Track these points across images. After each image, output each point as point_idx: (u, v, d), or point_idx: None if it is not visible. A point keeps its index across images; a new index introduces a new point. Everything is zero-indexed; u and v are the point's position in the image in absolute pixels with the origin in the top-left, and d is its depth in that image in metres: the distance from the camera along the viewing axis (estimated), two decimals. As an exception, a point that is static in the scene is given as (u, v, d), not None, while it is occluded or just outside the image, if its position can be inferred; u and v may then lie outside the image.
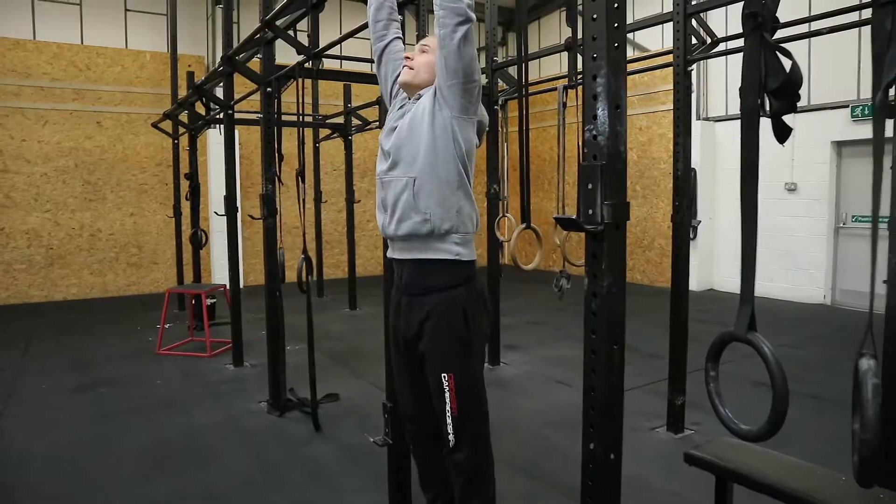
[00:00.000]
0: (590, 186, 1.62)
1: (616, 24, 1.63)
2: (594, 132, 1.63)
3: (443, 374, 2.15)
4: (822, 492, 2.02)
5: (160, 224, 10.11)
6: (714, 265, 9.73)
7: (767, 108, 1.29)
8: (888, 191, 1.48)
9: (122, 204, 9.97)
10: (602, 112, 1.61)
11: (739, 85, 1.34)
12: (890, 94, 1.13)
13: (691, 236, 9.37)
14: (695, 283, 9.24)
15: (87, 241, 9.74)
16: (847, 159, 8.20)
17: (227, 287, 5.81)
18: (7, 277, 9.19)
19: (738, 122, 1.31)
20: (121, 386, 5.18)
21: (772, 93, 1.29)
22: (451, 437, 2.19)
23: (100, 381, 5.33)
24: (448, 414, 2.17)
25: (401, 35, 2.45)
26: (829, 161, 8.24)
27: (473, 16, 2.01)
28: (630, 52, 10.51)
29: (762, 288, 8.70)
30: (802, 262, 8.50)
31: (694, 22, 3.92)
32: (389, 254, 2.32)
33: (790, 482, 2.12)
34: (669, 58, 4.24)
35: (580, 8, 1.76)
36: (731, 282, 9.31)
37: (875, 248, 1.24)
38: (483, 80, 5.49)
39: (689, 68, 3.88)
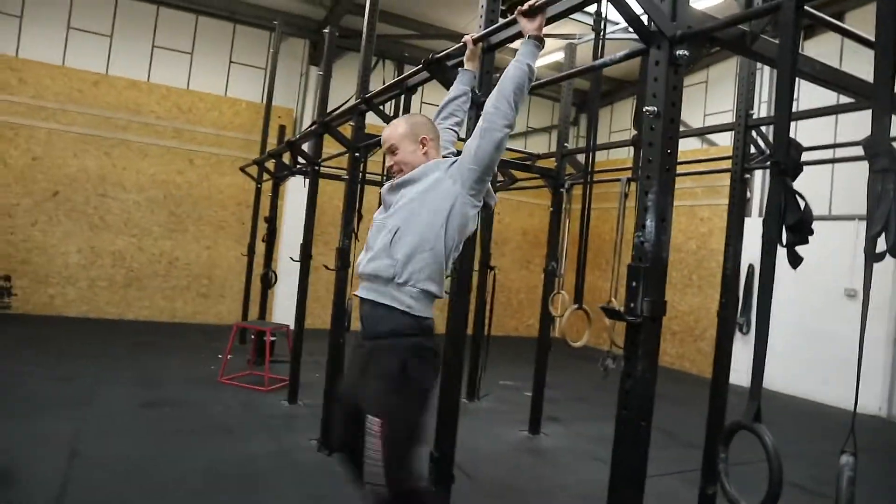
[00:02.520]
0: (634, 284, 1.92)
1: (669, 151, 1.96)
2: (642, 239, 1.94)
3: (371, 418, 2.24)
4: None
5: (232, 260, 10.75)
6: (767, 366, 9.64)
7: (784, 240, 1.57)
8: None
9: (200, 237, 10.68)
10: (650, 223, 1.93)
11: (763, 216, 1.63)
12: (881, 242, 1.40)
13: (743, 331, 9.37)
14: (745, 379, 9.16)
15: (164, 268, 10.44)
16: (909, 272, 8.16)
17: (290, 328, 6.22)
18: (90, 292, 9.92)
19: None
20: (184, 407, 5.59)
21: (789, 228, 1.57)
22: (371, 472, 2.26)
23: (165, 400, 5.75)
24: (371, 453, 2.23)
25: (456, 130, 2.82)
26: (890, 270, 8.21)
27: (514, 123, 2.33)
28: (698, 145, 10.81)
29: (817, 393, 8.60)
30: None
31: (754, 133, 4.20)
32: (357, 292, 2.49)
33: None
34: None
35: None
36: (781, 383, 9.20)
37: (861, 356, 1.48)
38: (552, 163, 5.88)
39: (746, 176, 4.14)
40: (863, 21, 7.62)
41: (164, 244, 10.45)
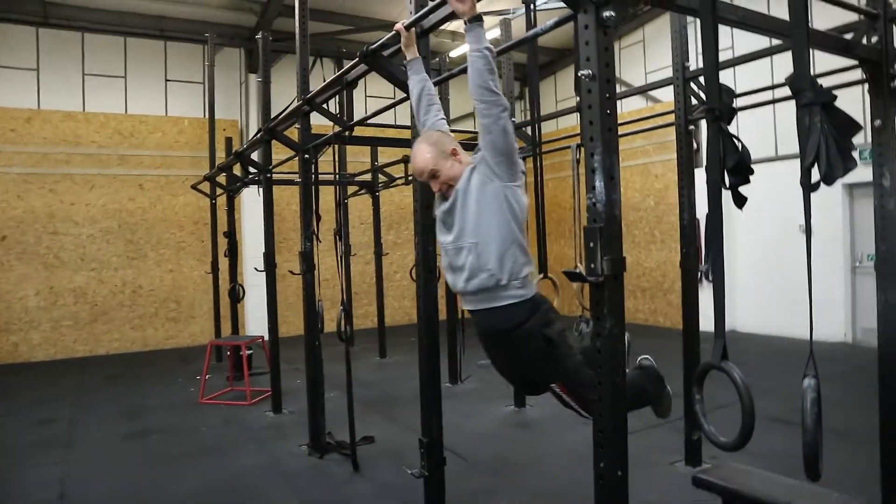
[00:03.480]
0: (591, 245, 1.96)
1: (608, 111, 2.00)
2: (594, 200, 1.98)
3: (552, 387, 2.55)
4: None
5: (197, 280, 10.60)
6: (732, 306, 9.90)
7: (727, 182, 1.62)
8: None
9: (161, 261, 10.50)
10: (599, 183, 1.97)
11: (705, 164, 1.68)
12: (814, 172, 1.46)
13: (709, 279, 9.58)
14: (710, 324, 9.41)
15: (128, 298, 10.24)
16: (859, 200, 8.44)
17: (265, 339, 6.18)
18: (55, 333, 9.69)
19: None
20: (169, 433, 5.53)
21: (729, 170, 1.63)
22: (579, 413, 2.60)
23: (149, 429, 5.68)
24: (570, 404, 2.57)
25: (442, 115, 2.83)
26: (841, 203, 8.49)
27: (507, 103, 2.41)
28: (644, 103, 10.97)
29: (783, 328, 8.86)
30: (821, 301, 8.63)
31: (693, 84, 4.29)
32: (463, 306, 2.70)
33: (786, 500, 2.37)
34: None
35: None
36: (747, 322, 9.46)
37: (811, 282, 1.54)
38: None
39: (691, 127, 4.23)
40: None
41: (126, 274, 10.25)
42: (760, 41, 3.93)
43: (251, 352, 7.52)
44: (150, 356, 9.74)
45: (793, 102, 3.86)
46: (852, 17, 3.34)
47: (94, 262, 10.02)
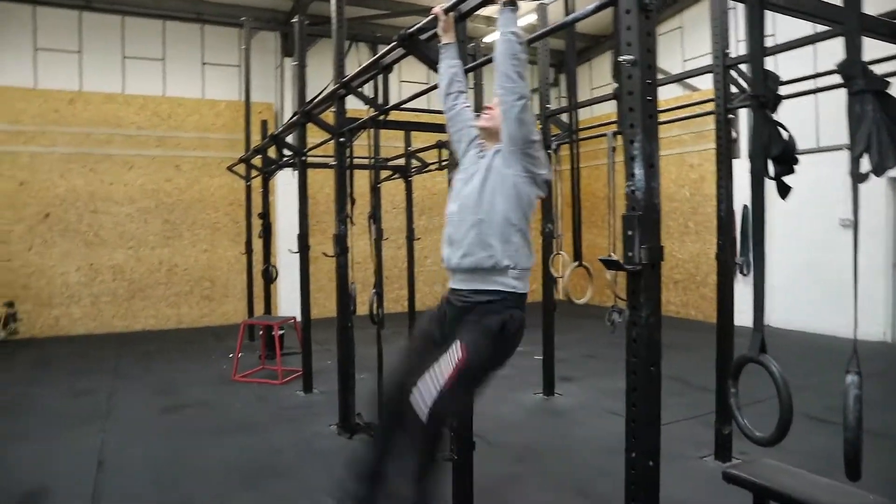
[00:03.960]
0: (630, 233, 1.95)
1: (649, 98, 1.98)
2: (633, 188, 1.97)
3: (459, 342, 2.33)
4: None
5: (230, 260, 10.77)
6: (768, 301, 9.71)
7: (771, 171, 1.59)
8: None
9: (197, 241, 10.69)
10: (639, 171, 1.95)
11: (748, 151, 1.65)
12: (863, 163, 1.42)
13: (744, 272, 9.42)
14: (749, 320, 9.27)
15: (164, 276, 10.46)
16: (906, 195, 8.20)
17: (297, 319, 6.26)
18: (94, 309, 9.95)
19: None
20: (203, 408, 5.66)
21: (774, 159, 1.59)
22: (426, 388, 2.28)
23: (184, 403, 5.81)
24: (439, 370, 2.29)
25: (469, 103, 2.83)
26: (886, 196, 8.25)
27: (528, 93, 2.37)
28: (680, 92, 10.77)
29: (819, 325, 8.67)
30: (860, 299, 8.43)
31: (733, 72, 4.20)
32: (451, 284, 2.60)
33: (822, 499, 2.33)
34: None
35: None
36: (784, 318, 9.26)
37: (857, 282, 1.51)
38: (537, 125, 5.87)
39: (730, 116, 4.15)
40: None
41: (162, 252, 10.46)
42: (802, 28, 3.83)
43: (283, 332, 7.63)
44: (185, 333, 9.95)
45: (837, 92, 3.79)
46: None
47: (133, 240, 10.25)
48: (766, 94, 1.63)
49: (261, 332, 7.55)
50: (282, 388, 6.34)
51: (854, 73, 1.45)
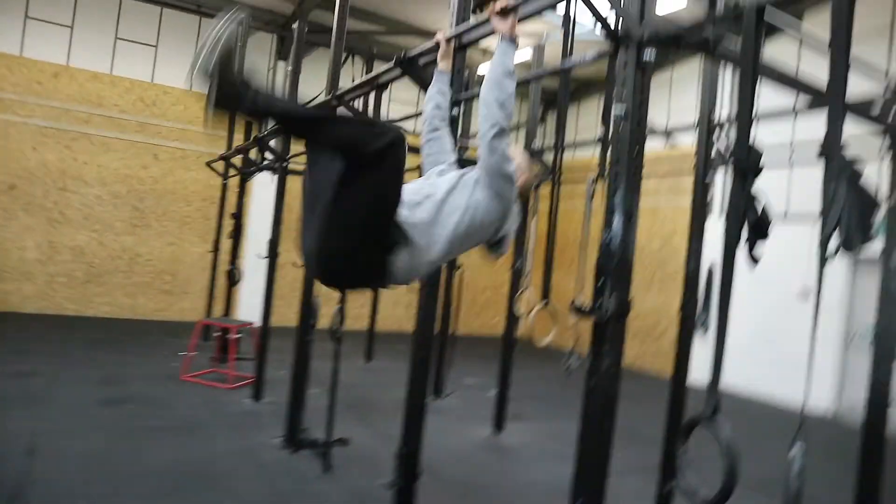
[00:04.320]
0: (601, 282, 1.96)
1: (637, 152, 2.01)
2: (609, 237, 1.98)
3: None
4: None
5: (196, 256, 10.59)
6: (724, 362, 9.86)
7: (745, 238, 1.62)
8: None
9: (164, 233, 10.50)
10: (617, 222, 1.97)
11: (724, 217, 1.68)
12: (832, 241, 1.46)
13: (703, 330, 9.57)
14: (703, 378, 9.40)
15: (126, 264, 10.23)
16: (863, 272, 8.43)
17: (255, 325, 6.16)
18: (48, 288, 9.67)
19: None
20: (146, 405, 5.50)
21: (749, 227, 1.63)
22: None
23: (127, 397, 5.65)
24: None
25: (448, 135, 2.77)
26: (844, 274, 8.48)
27: (505, 124, 2.29)
28: (662, 144, 10.99)
29: (772, 393, 8.82)
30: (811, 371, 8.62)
31: (717, 134, 4.29)
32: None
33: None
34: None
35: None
36: (733, 381, 9.38)
37: (812, 351, 1.54)
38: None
39: (707, 180, 4.24)
40: (822, 21, 7.85)
41: (127, 240, 10.24)
42: (783, 98, 3.95)
43: (240, 336, 7.49)
44: (139, 325, 9.71)
45: (811, 167, 3.91)
46: (881, 88, 3.35)
47: (98, 223, 10.02)
48: (747, 164, 1.67)
49: (216, 334, 7.41)
50: (230, 393, 6.20)
51: (833, 155, 1.50)
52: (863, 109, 3.04)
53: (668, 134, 4.90)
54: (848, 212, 1.46)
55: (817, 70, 2.78)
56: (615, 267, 1.93)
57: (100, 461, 4.11)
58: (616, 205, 1.97)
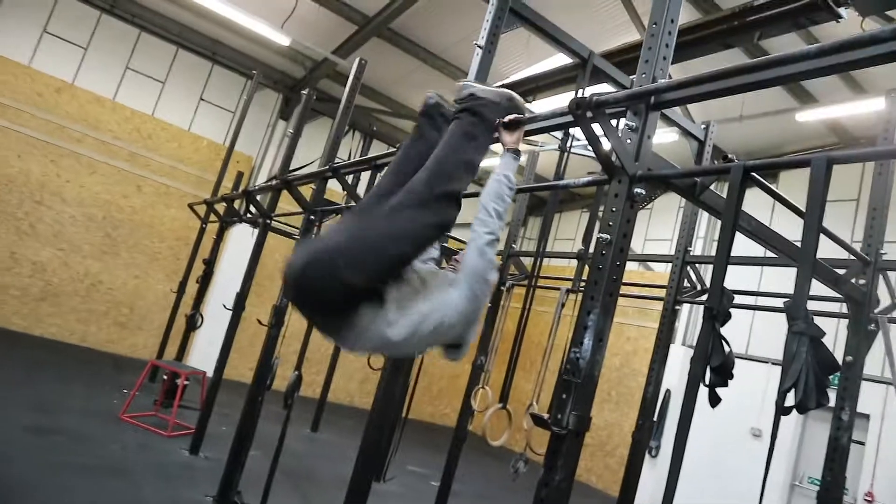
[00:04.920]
0: (563, 396, 2.01)
1: (615, 278, 2.11)
2: (578, 355, 2.05)
3: None
4: None
5: (159, 294, 10.41)
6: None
7: (706, 380, 1.70)
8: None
9: (131, 264, 10.35)
10: (588, 342, 2.05)
11: (691, 357, 1.76)
12: (789, 398, 1.54)
13: (653, 454, 9.57)
14: (648, 500, 9.34)
15: (85, 288, 10.00)
16: (813, 421, 8.58)
17: (207, 374, 6.03)
18: (-3, 300, 9.38)
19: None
20: (77, 439, 5.28)
21: (713, 369, 1.71)
22: None
23: (58, 428, 5.42)
24: None
25: None
26: (795, 420, 8.62)
27: (499, 233, 2.38)
28: (635, 267, 11.31)
29: (711, 527, 8.75)
30: (752, 511, 8.61)
31: (690, 269, 4.49)
32: None
33: None
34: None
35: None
36: (680, 510, 9.32)
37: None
38: (497, 260, 6.06)
39: (677, 308, 4.39)
40: (796, 180, 8.32)
41: (92, 264, 10.06)
42: (751, 245, 4.17)
43: (188, 383, 7.30)
44: (86, 353, 9.41)
45: (772, 314, 4.06)
46: (846, 253, 3.56)
47: (66, 243, 9.86)
48: (719, 309, 1.77)
49: (165, 377, 7.21)
50: (168, 440, 5.98)
51: (797, 316, 1.60)
52: (829, 275, 3.22)
53: (645, 261, 5.08)
54: (806, 372, 1.55)
55: (789, 224, 2.96)
56: (580, 384, 1.99)
57: (17, 493, 3.91)
58: (589, 325, 2.05)
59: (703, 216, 9.54)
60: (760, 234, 2.60)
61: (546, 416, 2.02)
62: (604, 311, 2.05)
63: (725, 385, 1.72)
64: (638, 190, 2.18)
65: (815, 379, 1.55)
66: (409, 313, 2.20)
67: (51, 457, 4.73)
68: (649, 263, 10.79)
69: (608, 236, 2.11)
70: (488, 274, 2.32)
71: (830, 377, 1.62)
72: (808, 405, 1.54)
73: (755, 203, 3.80)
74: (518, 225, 6.20)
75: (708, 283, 4.73)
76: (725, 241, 1.90)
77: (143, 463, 5.19)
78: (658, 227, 11.21)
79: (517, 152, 2.50)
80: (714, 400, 1.76)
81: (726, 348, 1.72)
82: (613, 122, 2.41)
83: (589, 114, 2.22)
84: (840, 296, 3.41)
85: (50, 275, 9.76)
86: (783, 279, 4.42)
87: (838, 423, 3.28)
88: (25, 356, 7.96)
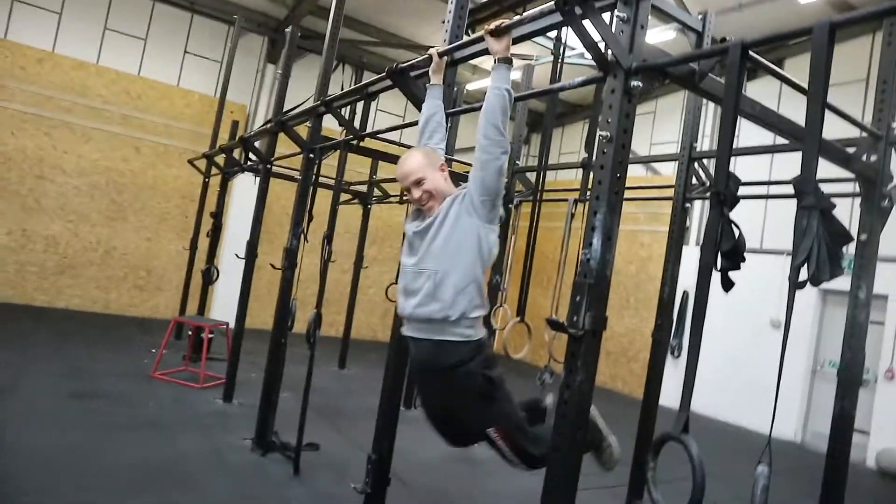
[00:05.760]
0: (578, 299, 2.01)
1: (618, 175, 2.07)
2: (588, 256, 2.04)
3: (488, 431, 2.47)
4: None
5: (172, 253, 10.50)
6: (698, 388, 9.96)
7: (719, 265, 1.69)
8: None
9: (141, 227, 10.40)
10: (597, 242, 2.03)
11: (700, 242, 1.75)
12: (802, 272, 1.53)
13: (675, 354, 9.73)
14: (674, 400, 9.56)
15: (100, 257, 10.11)
16: (831, 306, 8.64)
17: (230, 325, 6.13)
18: (17, 277, 9.51)
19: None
20: (114, 401, 5.44)
21: (724, 254, 1.69)
22: (513, 463, 2.57)
23: (95, 392, 5.58)
24: (504, 453, 2.51)
25: (443, 145, 2.87)
26: (814, 306, 8.68)
27: (508, 147, 2.44)
28: (643, 172, 11.19)
29: (739, 418, 8.96)
30: (779, 398, 8.78)
31: (696, 164, 4.42)
32: (404, 331, 2.60)
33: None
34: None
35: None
36: (705, 406, 9.54)
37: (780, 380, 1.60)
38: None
39: (687, 205, 4.34)
40: (800, 68, 8.09)
41: (102, 232, 10.13)
42: (762, 135, 4.09)
43: (213, 336, 7.44)
44: (110, 320, 9.59)
45: (786, 202, 4.01)
46: (856, 132, 3.47)
47: (74, 214, 9.90)
48: (726, 193, 1.74)
49: (189, 333, 7.35)
50: (201, 392, 6.15)
51: (806, 190, 1.57)
52: (838, 154, 3.15)
53: (650, 162, 5.01)
54: (818, 246, 1.53)
55: (796, 111, 2.89)
56: (592, 284, 1.99)
57: (66, 456, 4.06)
58: (596, 225, 2.03)
59: (708, 114, 9.35)
60: (764, 117, 2.53)
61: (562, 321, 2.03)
62: (610, 209, 2.02)
63: (738, 268, 1.70)
64: (635, 83, 2.12)
65: (827, 251, 1.53)
66: (465, 282, 2.44)
67: (94, 419, 4.89)
68: (657, 168, 10.67)
69: (608, 133, 2.06)
70: (502, 189, 2.47)
71: (843, 252, 1.60)
72: (822, 277, 1.52)
73: (760, 94, 3.72)
74: (520, 142, 6.12)
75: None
76: (728, 124, 1.85)
77: (181, 415, 5.36)
78: (663, 131, 11.01)
79: (509, 62, 2.44)
80: (727, 284, 1.75)
81: (736, 231, 1.70)
82: (605, 16, 2.32)
83: (578, 10, 2.14)
84: (853, 175, 3.35)
85: (64, 247, 9.85)
86: (794, 167, 4.32)
87: (855, 302, 3.28)
88: (53, 329, 8.12)
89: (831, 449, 3.25)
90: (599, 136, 2.08)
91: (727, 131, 1.83)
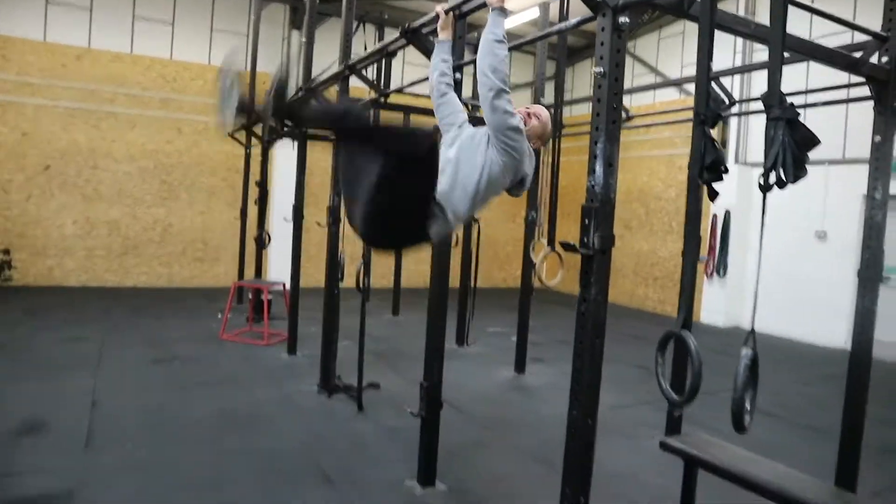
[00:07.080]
0: (586, 222, 2.25)
1: (614, 106, 2.27)
2: (592, 183, 2.26)
3: None
4: (765, 476, 2.57)
5: (225, 224, 11.02)
6: (743, 304, 10.07)
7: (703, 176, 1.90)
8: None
9: (193, 203, 10.93)
10: (599, 169, 2.25)
11: (689, 161, 1.95)
12: (772, 177, 1.73)
13: (721, 274, 9.83)
14: (721, 319, 9.69)
15: (158, 235, 10.71)
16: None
17: (286, 286, 6.55)
18: (87, 262, 10.19)
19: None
20: (191, 362, 5.96)
21: (707, 167, 1.90)
22: None
23: (173, 356, 6.11)
24: None
25: (455, 97, 3.04)
26: (859, 213, 8.60)
27: (501, 86, 2.55)
28: (677, 95, 11.06)
29: (786, 329, 9.06)
30: (827, 307, 8.84)
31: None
32: None
33: (740, 467, 2.67)
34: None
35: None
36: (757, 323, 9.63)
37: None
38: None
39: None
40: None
41: (158, 212, 10.69)
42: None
43: (271, 297, 7.91)
44: (175, 292, 10.22)
45: (820, 115, 4.14)
46: (861, 37, 3.51)
47: (129, 198, 10.47)
48: (706, 112, 1.93)
49: (250, 295, 7.84)
50: (267, 349, 6.64)
51: (772, 103, 1.75)
52: (844, 60, 3.23)
53: (682, 84, 5.07)
54: (783, 153, 1.72)
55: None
56: (598, 208, 2.22)
57: (154, 412, 4.56)
58: (598, 153, 2.24)
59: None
60: (739, 25, 2.66)
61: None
62: (608, 138, 2.23)
63: (720, 179, 1.90)
64: (623, 19, 2.28)
65: (792, 157, 1.72)
66: (461, 192, 2.56)
67: (174, 379, 5.40)
68: (691, 89, 10.52)
69: (602, 69, 2.25)
70: (508, 122, 2.56)
71: (807, 154, 1.78)
72: (788, 180, 1.72)
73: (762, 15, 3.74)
74: (543, 80, 6.22)
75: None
76: (705, 42, 2.01)
77: (251, 370, 5.84)
78: (693, 51, 10.78)
79: (503, 10, 2.62)
80: (712, 194, 1.96)
81: (716, 147, 1.90)
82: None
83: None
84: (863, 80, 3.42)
85: (125, 230, 10.46)
86: (832, 77, 4.33)
87: (872, 203, 3.41)
88: (126, 305, 8.75)
89: (854, 348, 3.43)
90: (594, 72, 2.27)
91: (704, 52, 2.00)
